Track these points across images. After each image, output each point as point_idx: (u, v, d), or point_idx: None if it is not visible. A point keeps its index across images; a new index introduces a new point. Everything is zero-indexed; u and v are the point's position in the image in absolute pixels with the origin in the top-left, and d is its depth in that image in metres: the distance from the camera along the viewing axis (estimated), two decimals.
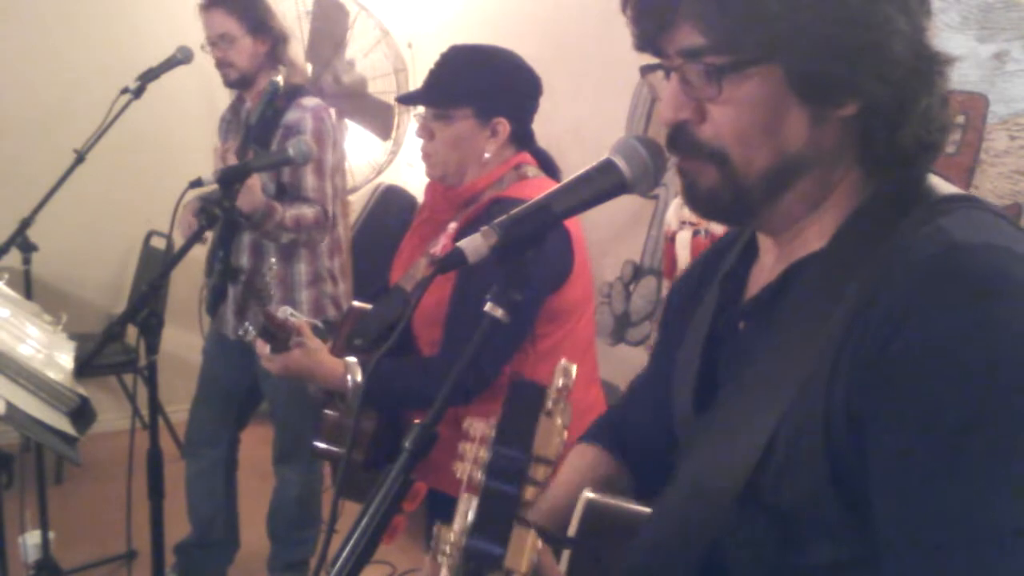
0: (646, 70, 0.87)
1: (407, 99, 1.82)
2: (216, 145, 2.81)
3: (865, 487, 0.72)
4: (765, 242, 0.92)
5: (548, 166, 1.84)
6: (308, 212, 2.56)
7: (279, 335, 1.72)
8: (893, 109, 0.77)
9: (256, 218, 2.43)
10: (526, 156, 1.82)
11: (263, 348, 1.75)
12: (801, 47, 0.75)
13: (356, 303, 1.92)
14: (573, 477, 1.12)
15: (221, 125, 2.84)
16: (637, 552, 0.86)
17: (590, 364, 1.85)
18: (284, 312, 1.74)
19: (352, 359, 1.71)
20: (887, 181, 0.81)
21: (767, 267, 0.90)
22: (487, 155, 1.76)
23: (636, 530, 0.94)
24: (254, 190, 2.38)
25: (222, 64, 2.63)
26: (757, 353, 0.82)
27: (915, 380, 0.68)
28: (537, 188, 1.71)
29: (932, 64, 0.79)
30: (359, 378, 1.68)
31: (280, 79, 2.55)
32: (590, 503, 0.97)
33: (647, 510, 0.97)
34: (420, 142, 1.79)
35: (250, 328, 1.74)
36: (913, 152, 0.80)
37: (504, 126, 1.75)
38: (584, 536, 0.93)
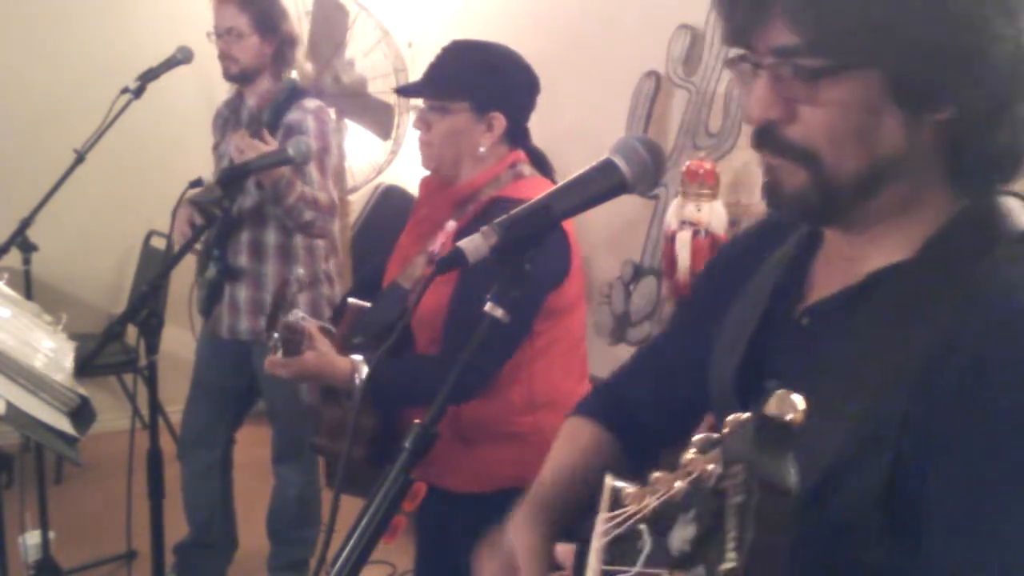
0: (732, 63, 0.84)
1: (406, 91, 1.86)
2: (213, 143, 2.80)
3: (912, 510, 0.74)
4: (836, 236, 0.89)
5: (542, 165, 1.86)
6: (321, 195, 2.54)
7: (293, 339, 1.73)
8: (988, 115, 0.77)
9: (280, 187, 2.39)
10: (520, 154, 1.82)
11: (274, 354, 1.75)
12: (903, 54, 0.73)
13: (352, 300, 1.92)
14: (574, 458, 1.07)
15: (217, 121, 2.82)
16: None
17: (581, 359, 1.89)
18: (295, 315, 1.74)
19: (358, 357, 1.73)
20: (973, 198, 0.81)
21: (838, 264, 0.88)
22: (482, 149, 1.77)
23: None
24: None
25: (225, 57, 2.62)
26: (829, 356, 0.82)
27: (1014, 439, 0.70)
28: (534, 187, 1.72)
29: None
30: (364, 373, 1.71)
31: (296, 75, 2.52)
32: (615, 492, 0.93)
33: None
34: (418, 135, 1.81)
35: (276, 336, 1.75)
36: (1004, 161, 0.80)
37: (500, 121, 1.76)
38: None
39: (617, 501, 0.88)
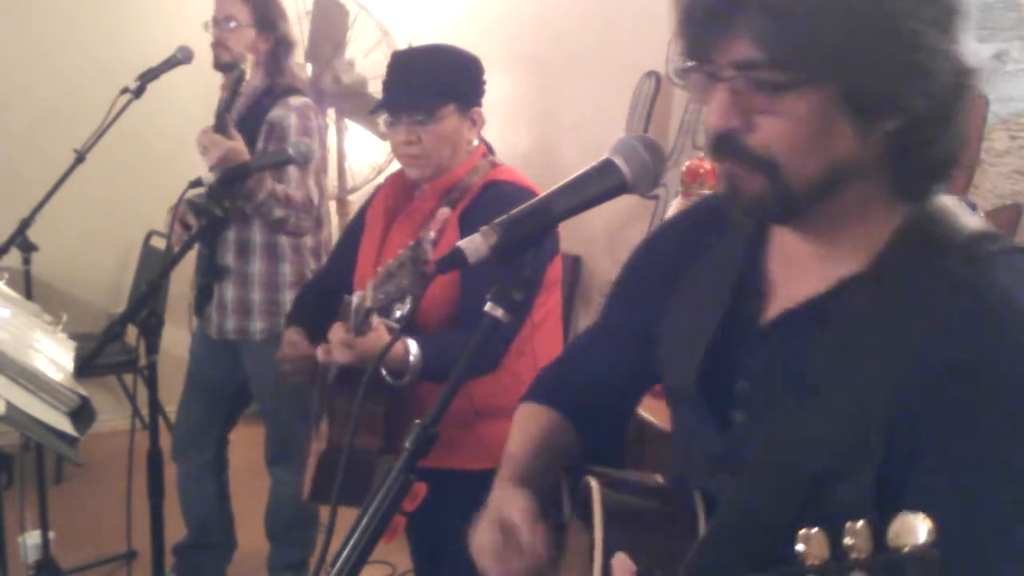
0: (688, 73, 0.88)
1: (387, 108, 1.85)
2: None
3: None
4: (792, 239, 0.93)
5: (491, 151, 1.98)
6: (295, 192, 2.52)
7: (368, 319, 1.70)
8: (932, 123, 0.82)
9: (250, 184, 2.37)
10: (482, 144, 1.93)
11: (339, 331, 1.69)
12: (855, 68, 0.79)
13: (348, 296, 1.92)
14: (535, 440, 1.14)
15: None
16: (710, 547, 0.88)
17: (561, 332, 2.01)
18: (360, 296, 1.71)
19: (407, 338, 1.72)
20: (917, 203, 0.87)
21: (799, 267, 0.93)
22: (475, 142, 1.88)
23: (664, 513, 0.97)
24: (242, 155, 2.34)
25: (218, 44, 2.62)
26: (803, 364, 0.86)
27: (1007, 424, 0.76)
28: (512, 172, 1.88)
29: (967, 79, 0.83)
30: (416, 352, 1.69)
31: (247, 67, 2.50)
32: (605, 493, 0.96)
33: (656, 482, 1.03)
34: (404, 151, 1.85)
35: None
36: (942, 166, 0.86)
37: (480, 114, 1.87)
38: (613, 525, 0.92)
39: (613, 505, 0.93)
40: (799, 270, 0.93)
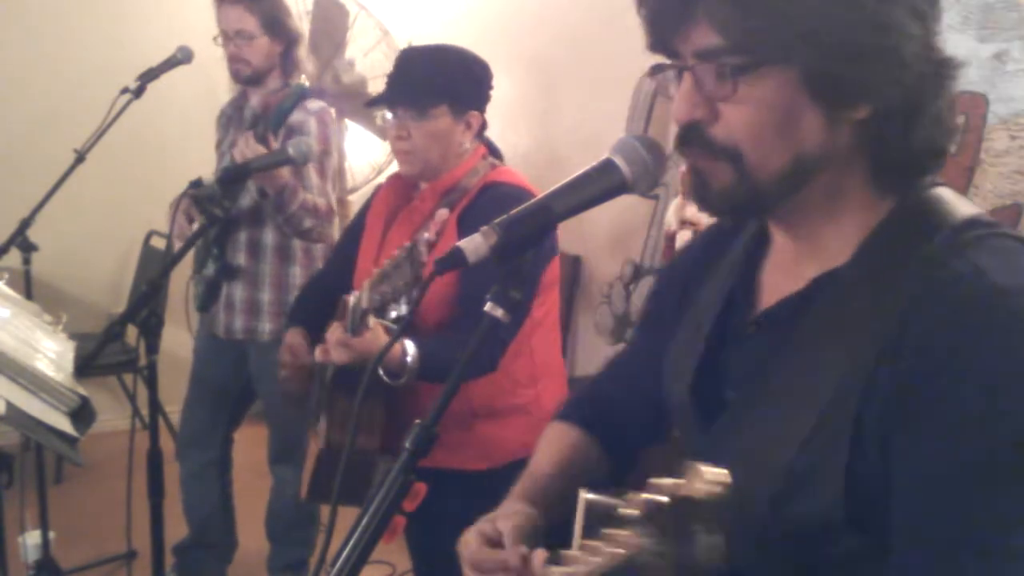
0: (656, 70, 0.88)
1: (384, 101, 1.87)
2: (216, 140, 2.81)
3: (872, 503, 0.76)
4: (782, 240, 0.92)
5: (496, 153, 1.97)
6: (320, 200, 2.55)
7: (365, 319, 1.69)
8: (906, 113, 0.79)
9: (284, 196, 2.40)
10: (482, 147, 1.93)
11: (336, 331, 1.68)
12: (817, 49, 0.76)
13: (345, 296, 1.93)
14: (557, 459, 1.13)
15: (221, 119, 2.83)
16: None
17: (559, 331, 2.02)
18: (355, 296, 1.70)
19: (405, 339, 1.70)
20: (904, 195, 0.83)
21: (785, 270, 0.91)
22: (467, 146, 1.87)
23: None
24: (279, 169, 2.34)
25: (236, 60, 2.60)
26: (777, 364, 0.84)
27: (965, 413, 0.72)
28: (512, 174, 1.88)
29: (942, 68, 0.80)
30: (414, 352, 1.68)
31: (306, 81, 2.53)
32: (590, 504, 0.98)
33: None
34: (395, 145, 1.87)
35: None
36: (924, 157, 0.82)
37: (477, 119, 1.87)
38: (592, 531, 0.93)
39: (593, 514, 0.95)
40: (785, 271, 0.91)
